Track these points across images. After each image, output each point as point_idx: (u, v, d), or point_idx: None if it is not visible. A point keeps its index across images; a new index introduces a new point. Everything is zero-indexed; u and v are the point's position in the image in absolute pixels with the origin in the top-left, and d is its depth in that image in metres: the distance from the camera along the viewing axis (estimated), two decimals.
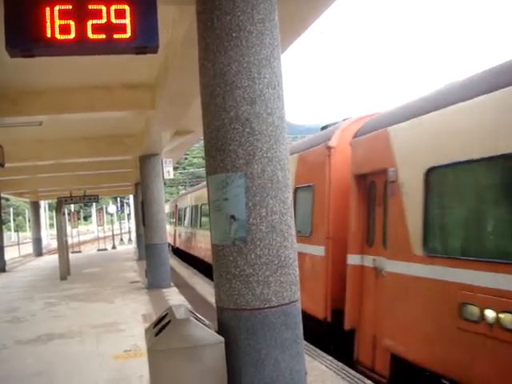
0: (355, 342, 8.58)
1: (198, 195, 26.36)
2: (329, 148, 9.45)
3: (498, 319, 5.20)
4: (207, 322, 5.03)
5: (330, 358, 8.04)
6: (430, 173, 6.45)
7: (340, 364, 7.70)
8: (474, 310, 5.52)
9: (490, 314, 5.33)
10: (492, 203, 5.81)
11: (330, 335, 9.41)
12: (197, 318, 4.92)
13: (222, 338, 4.72)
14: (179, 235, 32.92)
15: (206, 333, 4.73)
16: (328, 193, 9.47)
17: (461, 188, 6.23)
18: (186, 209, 30.40)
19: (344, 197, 9.02)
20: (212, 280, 5.25)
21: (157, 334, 4.77)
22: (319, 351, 8.39)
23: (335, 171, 9.40)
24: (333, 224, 9.40)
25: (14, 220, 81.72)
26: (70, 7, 4.41)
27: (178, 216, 34.57)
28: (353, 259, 8.56)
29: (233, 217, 4.74)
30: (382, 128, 7.68)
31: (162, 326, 4.86)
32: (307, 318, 7.04)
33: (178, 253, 32.09)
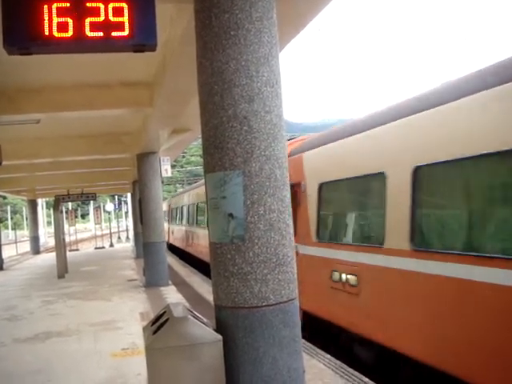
0: None
1: (184, 197, 31.02)
2: None
3: (347, 279, 8.21)
4: (205, 320, 5.03)
5: (329, 356, 8.04)
6: (321, 186, 9.40)
7: (338, 362, 7.70)
8: (337, 275, 8.55)
9: (343, 276, 8.33)
10: (354, 208, 8.98)
11: None
12: (195, 316, 4.93)
13: (219, 336, 4.72)
14: (172, 232, 35.48)
15: (203, 331, 4.73)
16: None
17: (332, 196, 9.59)
18: (176, 208, 34.16)
19: None
20: (210, 278, 5.25)
21: (155, 332, 4.77)
22: (317, 349, 8.40)
23: None
24: None
25: (12, 218, 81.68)
26: (68, 5, 4.39)
27: (170, 215, 37.52)
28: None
29: (231, 215, 4.74)
30: (299, 153, 10.42)
31: (159, 324, 4.87)
32: None
33: (172, 248, 33.60)
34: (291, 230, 4.98)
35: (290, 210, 5.01)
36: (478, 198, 6.05)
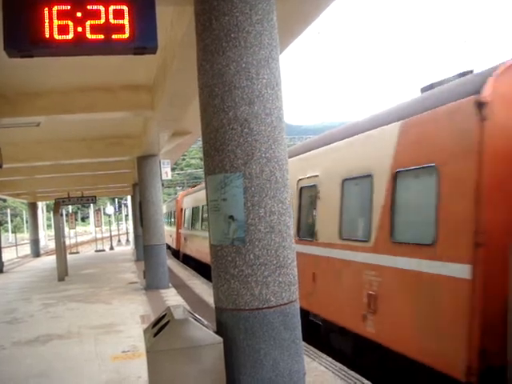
0: None
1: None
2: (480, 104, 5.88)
3: None
4: (206, 322, 5.03)
5: (330, 358, 8.04)
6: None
7: (339, 365, 7.70)
8: None
9: None
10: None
11: None
12: (195, 319, 4.93)
13: (220, 339, 4.72)
14: (185, 238, 28.78)
15: (204, 333, 4.74)
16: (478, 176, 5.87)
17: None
18: (193, 209, 26.42)
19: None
20: (210, 281, 5.25)
21: (156, 335, 4.77)
22: (318, 352, 8.39)
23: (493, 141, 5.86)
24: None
25: (12, 221, 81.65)
26: (69, 8, 4.41)
27: (183, 217, 29.92)
28: None
29: (231, 217, 4.74)
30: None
31: (160, 326, 4.87)
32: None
33: (185, 259, 28.33)
34: (291, 232, 4.99)
35: (291, 211, 5.01)
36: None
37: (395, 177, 7.26)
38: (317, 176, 9.80)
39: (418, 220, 7.02)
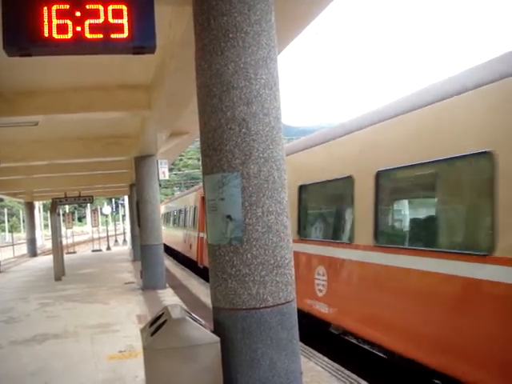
0: None
1: None
2: None
3: None
4: (203, 321, 5.04)
5: (326, 358, 8.06)
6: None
7: (336, 365, 7.72)
8: None
9: None
10: None
11: None
12: (193, 318, 4.94)
13: (217, 338, 4.73)
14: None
15: (201, 332, 4.75)
16: None
17: None
18: None
19: None
20: (207, 281, 5.26)
21: (153, 334, 4.78)
22: (315, 352, 8.41)
23: None
24: None
25: (9, 221, 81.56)
26: (68, 7, 4.42)
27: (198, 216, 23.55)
28: None
29: (229, 217, 4.75)
30: None
31: (157, 325, 4.88)
32: None
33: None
34: (289, 232, 5.00)
35: (288, 211, 5.02)
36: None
37: None
38: None
39: None
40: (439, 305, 6.17)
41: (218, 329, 4.92)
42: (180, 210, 30.82)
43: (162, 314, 5.16)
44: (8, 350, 9.70)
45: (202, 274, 19.18)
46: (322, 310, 9.15)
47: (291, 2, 6.16)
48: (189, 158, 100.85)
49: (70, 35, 4.43)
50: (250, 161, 4.72)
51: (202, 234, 21.86)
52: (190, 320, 4.83)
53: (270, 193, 4.78)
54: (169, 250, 30.57)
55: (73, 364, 8.43)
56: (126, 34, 4.51)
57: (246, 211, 4.72)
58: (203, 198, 5.07)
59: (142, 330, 5.25)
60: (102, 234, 50.41)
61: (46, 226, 62.92)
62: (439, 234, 6.93)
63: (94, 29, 4.46)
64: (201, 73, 4.96)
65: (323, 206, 10.88)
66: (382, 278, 7.42)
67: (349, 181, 8.37)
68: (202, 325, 4.88)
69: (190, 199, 26.94)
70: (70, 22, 4.43)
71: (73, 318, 12.36)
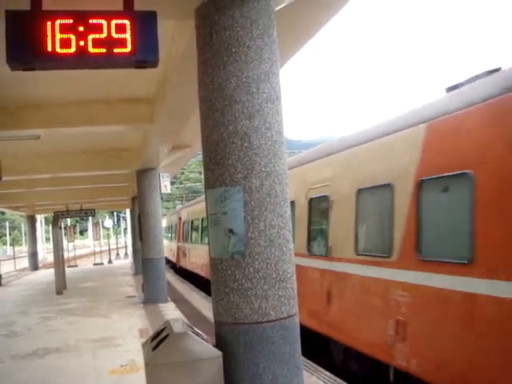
0: None
1: None
2: None
3: None
4: (205, 336, 5.02)
5: (328, 373, 8.01)
6: None
7: (338, 380, 7.67)
8: None
9: None
10: None
11: None
12: (195, 332, 4.92)
13: (219, 352, 4.71)
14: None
15: (203, 347, 4.73)
16: None
17: None
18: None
19: None
20: (209, 295, 5.24)
21: (154, 348, 4.76)
22: (317, 366, 8.36)
23: None
24: None
25: (10, 234, 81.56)
26: (71, 21, 4.44)
27: None
28: None
29: (231, 231, 4.75)
30: None
31: (159, 339, 4.85)
32: None
33: None
34: (291, 246, 4.99)
35: (290, 225, 5.02)
36: None
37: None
38: None
39: None
40: None
41: (220, 343, 4.89)
42: (166, 227, 39.00)
43: (164, 328, 5.14)
44: (9, 364, 9.67)
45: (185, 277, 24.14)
46: None
47: (293, 17, 6.18)
48: (190, 172, 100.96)
49: (73, 49, 4.45)
50: (252, 175, 4.72)
51: (179, 244, 30.76)
52: (192, 334, 4.81)
53: (272, 207, 4.77)
54: None
55: (74, 378, 8.40)
56: (128, 49, 4.53)
57: (248, 225, 4.71)
58: (180, 218, 5.16)
59: (144, 345, 5.23)
60: (103, 247, 50.42)
61: (47, 239, 62.89)
62: None
63: (97, 43, 4.48)
64: (203, 87, 4.98)
65: None
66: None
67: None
68: (203, 339, 4.86)
69: (173, 219, 35.68)
70: (73, 37, 4.45)
71: (74, 332, 12.32)
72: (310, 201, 9.89)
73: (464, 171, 5.81)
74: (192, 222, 26.38)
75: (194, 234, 25.73)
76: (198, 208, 24.39)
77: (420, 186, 6.56)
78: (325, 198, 9.22)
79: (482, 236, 5.51)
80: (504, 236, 5.28)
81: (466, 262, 5.66)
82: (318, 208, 9.62)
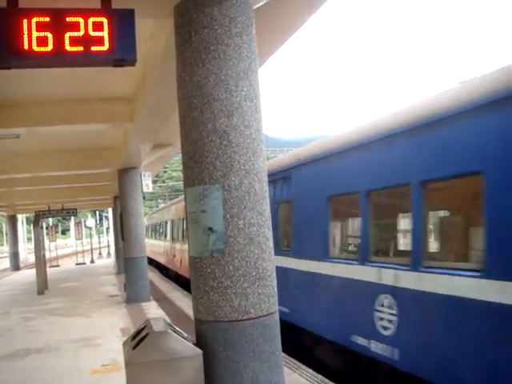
0: None
1: None
2: None
3: None
4: (185, 334, 5.02)
5: (310, 370, 8.03)
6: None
7: (320, 376, 7.69)
8: None
9: None
10: None
11: None
12: (175, 331, 4.91)
13: (200, 351, 4.72)
14: None
15: (184, 345, 4.73)
16: None
17: None
18: None
19: None
20: (191, 293, 5.25)
21: (135, 347, 4.75)
22: (299, 363, 8.38)
23: None
24: None
25: None
26: (48, 19, 4.41)
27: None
28: None
29: (210, 229, 4.75)
30: None
31: (139, 338, 4.84)
32: None
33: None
34: (271, 244, 5.00)
35: (270, 223, 5.03)
36: None
37: None
38: None
39: None
40: None
41: (200, 341, 4.90)
42: (157, 224, 38.56)
43: (144, 327, 5.13)
44: None
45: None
46: None
47: (272, 15, 6.18)
48: (173, 170, 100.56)
49: (50, 48, 4.42)
50: (231, 173, 4.73)
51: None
52: (172, 333, 4.80)
53: (251, 204, 4.78)
54: None
55: (55, 379, 8.36)
56: (106, 47, 4.50)
57: (228, 223, 4.72)
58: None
59: (124, 344, 5.21)
60: (86, 246, 50.14)
61: (29, 239, 62.32)
62: None
63: (74, 41, 4.45)
64: (182, 85, 4.97)
65: None
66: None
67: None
68: (184, 337, 4.85)
69: (169, 212, 33.63)
70: (50, 35, 4.41)
71: (55, 332, 12.25)
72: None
73: None
74: None
75: None
76: None
77: None
78: None
79: None
80: None
81: None
82: None
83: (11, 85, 9.24)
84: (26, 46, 4.37)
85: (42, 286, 20.41)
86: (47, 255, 30.35)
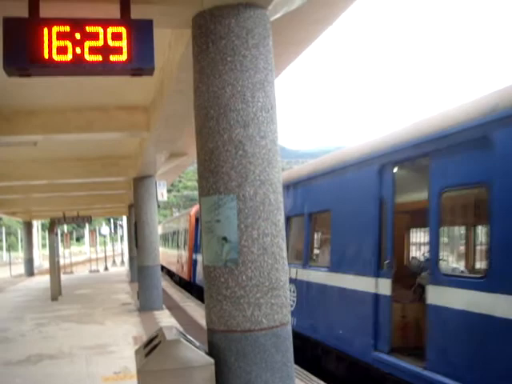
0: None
1: None
2: None
3: None
4: (197, 343, 5.02)
5: (322, 382, 8.00)
6: None
7: None
8: None
9: None
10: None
11: None
12: (187, 340, 4.92)
13: (212, 360, 4.72)
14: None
15: (196, 354, 4.73)
16: None
17: None
18: None
19: None
20: (204, 303, 5.26)
21: (147, 355, 4.76)
22: (310, 375, 8.36)
23: None
24: None
25: (6, 240, 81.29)
26: (68, 29, 4.47)
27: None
28: None
29: (225, 238, 4.76)
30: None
31: (152, 346, 4.86)
32: None
33: None
34: (284, 254, 5.01)
35: (284, 233, 5.04)
36: None
37: None
38: None
39: None
40: None
41: (212, 351, 4.90)
42: (169, 233, 39.95)
43: (157, 335, 5.14)
44: (1, 371, 9.62)
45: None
46: None
47: (289, 27, 6.23)
48: (188, 180, 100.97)
49: (69, 57, 4.47)
50: (247, 183, 4.75)
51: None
52: (185, 341, 4.81)
53: (265, 215, 4.79)
54: None
55: None
56: (125, 57, 4.55)
57: (242, 233, 4.73)
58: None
59: (137, 352, 5.23)
60: (99, 254, 50.28)
61: (43, 245, 62.56)
62: None
63: (93, 51, 4.50)
64: (199, 95, 5.01)
65: None
66: None
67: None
68: (196, 346, 4.86)
69: (181, 222, 36.00)
70: (69, 44, 4.47)
71: (68, 338, 12.29)
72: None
73: None
74: None
75: None
76: None
77: None
78: None
79: None
80: None
81: None
82: None
83: (29, 92, 9.36)
84: (46, 55, 4.43)
85: (56, 292, 20.51)
86: (61, 262, 30.47)
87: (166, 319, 14.45)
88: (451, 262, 8.40)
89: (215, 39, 4.84)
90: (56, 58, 4.45)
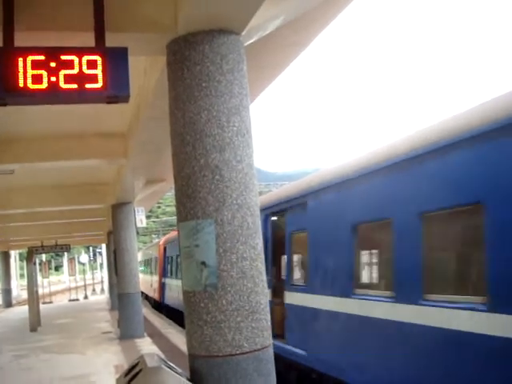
0: None
1: None
2: None
3: None
4: (179, 370, 4.98)
5: None
6: None
7: None
8: None
9: None
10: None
11: None
12: (169, 366, 4.88)
13: None
14: None
15: (177, 381, 4.68)
16: None
17: None
18: None
19: None
20: (184, 328, 5.23)
21: (128, 383, 4.71)
22: None
23: None
24: None
25: None
26: (43, 58, 4.48)
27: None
28: None
29: (203, 263, 4.77)
30: None
31: (133, 374, 4.81)
32: None
33: None
34: (264, 278, 5.01)
35: (263, 257, 5.05)
36: None
37: None
38: None
39: None
40: None
41: (194, 377, 4.87)
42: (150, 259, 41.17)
43: (138, 362, 5.09)
44: None
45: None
46: None
47: (263, 51, 6.30)
48: (167, 206, 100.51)
49: (45, 85, 4.48)
50: (224, 207, 4.77)
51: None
52: (166, 368, 4.77)
53: (244, 239, 4.81)
54: None
55: None
56: (100, 84, 4.57)
57: (221, 257, 4.74)
58: None
59: (118, 380, 5.17)
60: (79, 282, 49.76)
61: (21, 275, 61.78)
62: None
63: (68, 79, 4.51)
64: (174, 121, 5.04)
65: None
66: None
67: None
68: (178, 373, 4.82)
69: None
70: (45, 73, 4.48)
71: (48, 369, 12.11)
72: None
73: None
74: None
75: None
76: None
77: None
78: None
79: None
80: None
81: None
82: None
83: (5, 121, 9.30)
84: (21, 84, 4.43)
85: (35, 322, 20.22)
86: (40, 291, 30.11)
87: (147, 347, 14.32)
88: (295, 276, 10.52)
89: (190, 65, 4.89)
90: (31, 86, 4.45)
